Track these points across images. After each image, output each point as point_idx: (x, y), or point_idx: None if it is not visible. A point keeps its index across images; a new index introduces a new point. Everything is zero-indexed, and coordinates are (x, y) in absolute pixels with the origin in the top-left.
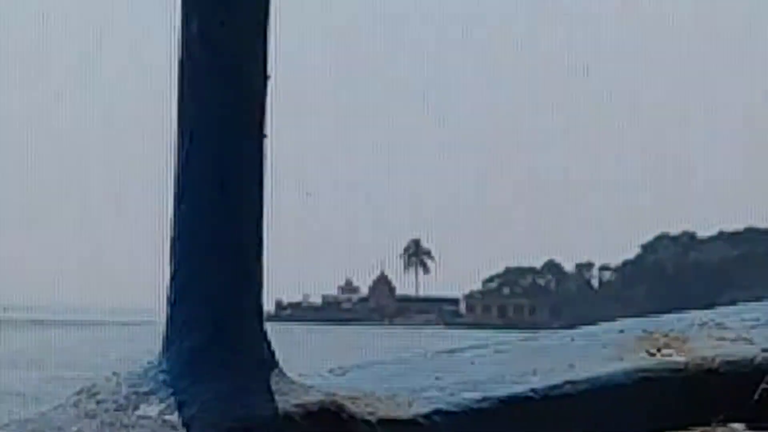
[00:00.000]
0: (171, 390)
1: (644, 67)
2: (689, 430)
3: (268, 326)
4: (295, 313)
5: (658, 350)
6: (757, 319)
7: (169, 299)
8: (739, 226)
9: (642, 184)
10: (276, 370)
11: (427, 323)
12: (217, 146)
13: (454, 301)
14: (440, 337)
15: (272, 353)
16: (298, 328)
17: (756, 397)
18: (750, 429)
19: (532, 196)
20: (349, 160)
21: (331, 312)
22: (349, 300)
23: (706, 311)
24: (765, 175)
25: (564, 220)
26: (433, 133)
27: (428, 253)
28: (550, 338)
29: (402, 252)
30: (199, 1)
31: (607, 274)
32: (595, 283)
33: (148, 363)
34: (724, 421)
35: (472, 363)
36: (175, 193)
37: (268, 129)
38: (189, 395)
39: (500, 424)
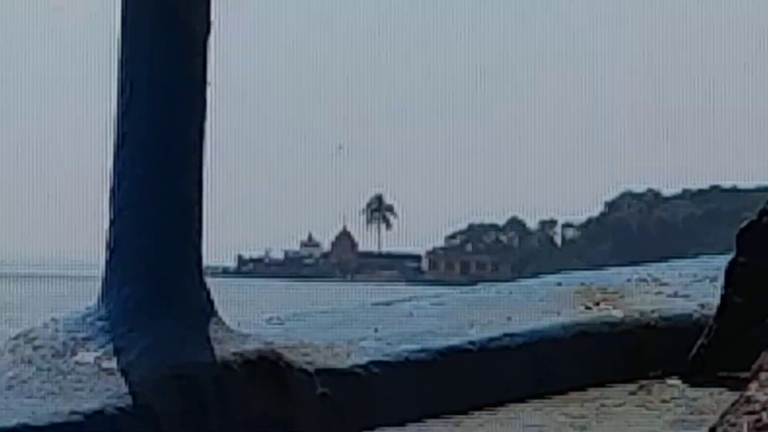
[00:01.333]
0: (109, 337)
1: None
2: (626, 383)
3: (230, 282)
4: (256, 268)
5: (596, 304)
6: (695, 275)
7: (108, 246)
8: (703, 184)
9: (606, 140)
10: (214, 319)
11: (390, 280)
12: (158, 94)
13: (417, 258)
14: (402, 294)
15: (211, 302)
16: (259, 284)
17: (693, 353)
18: (686, 385)
19: (496, 152)
20: (310, 112)
21: (293, 268)
22: (311, 256)
23: (644, 266)
24: (732, 135)
25: (527, 177)
26: (395, 86)
27: (391, 209)
28: (488, 291)
29: (364, 207)
30: None
31: (570, 232)
32: (558, 240)
33: (87, 309)
34: (661, 377)
35: (411, 315)
36: (115, 141)
37: (212, 78)
38: (127, 342)
39: (438, 375)
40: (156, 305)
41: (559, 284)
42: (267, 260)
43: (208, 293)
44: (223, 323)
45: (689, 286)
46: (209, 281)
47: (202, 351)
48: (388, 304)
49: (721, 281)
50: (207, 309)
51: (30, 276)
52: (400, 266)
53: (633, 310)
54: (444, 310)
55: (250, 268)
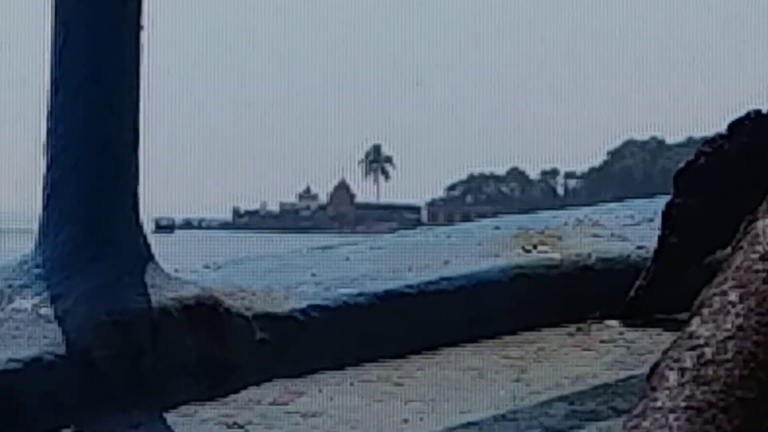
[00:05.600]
0: (45, 284)
1: None
2: (564, 326)
3: (225, 234)
4: (251, 221)
5: (534, 247)
6: (632, 217)
7: (44, 192)
8: (708, 130)
9: (607, 89)
10: (152, 265)
11: (389, 231)
12: (92, 37)
13: (416, 209)
14: None
15: (148, 247)
16: (254, 237)
17: (631, 294)
18: (624, 326)
19: (496, 101)
20: (307, 61)
21: (289, 220)
22: (307, 208)
23: (581, 209)
24: (735, 81)
25: (528, 127)
26: (392, 33)
27: (389, 160)
28: (425, 235)
29: (363, 158)
30: None
31: (573, 182)
32: (560, 190)
33: (23, 257)
34: (600, 318)
35: (347, 259)
36: (50, 85)
37: (146, 21)
38: (63, 289)
39: (376, 319)
40: (92, 251)
41: (497, 228)
42: (263, 213)
43: (145, 238)
44: (161, 269)
45: (626, 228)
46: (203, 234)
47: (139, 296)
48: (324, 249)
49: (658, 223)
50: (144, 254)
51: None
52: (399, 218)
53: (570, 252)
54: (382, 254)
55: (245, 221)
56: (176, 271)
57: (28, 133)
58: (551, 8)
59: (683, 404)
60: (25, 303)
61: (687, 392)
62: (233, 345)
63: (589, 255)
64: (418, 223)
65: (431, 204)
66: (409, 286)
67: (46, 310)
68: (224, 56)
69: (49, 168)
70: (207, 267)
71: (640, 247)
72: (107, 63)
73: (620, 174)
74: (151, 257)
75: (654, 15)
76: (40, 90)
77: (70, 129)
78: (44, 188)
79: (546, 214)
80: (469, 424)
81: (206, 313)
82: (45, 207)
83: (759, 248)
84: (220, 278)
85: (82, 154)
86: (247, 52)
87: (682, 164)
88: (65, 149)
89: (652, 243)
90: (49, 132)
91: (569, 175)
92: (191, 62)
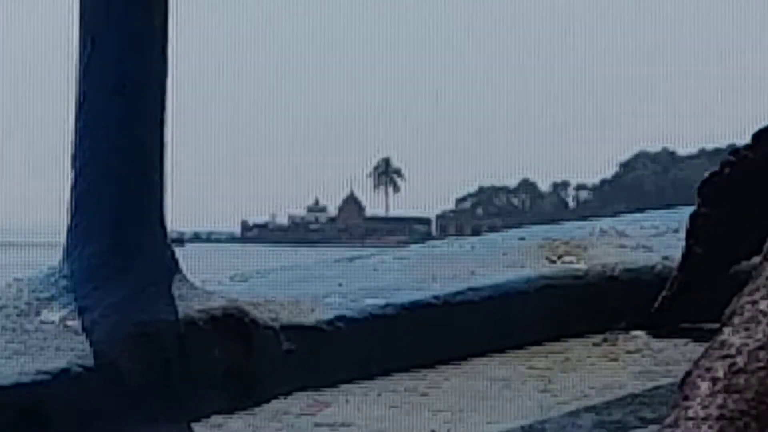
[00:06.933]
0: (72, 296)
1: None
2: (590, 336)
3: (236, 247)
4: (261, 234)
5: (559, 257)
6: (657, 228)
7: (70, 206)
8: (721, 143)
9: (620, 100)
10: (179, 276)
11: (400, 244)
12: (118, 50)
13: (426, 222)
14: None
15: (175, 260)
16: (263, 250)
17: (657, 304)
18: (651, 336)
19: (507, 113)
20: (320, 74)
21: (298, 233)
22: (316, 221)
23: (606, 219)
24: (747, 94)
25: (539, 139)
26: (403, 47)
27: (398, 172)
28: (451, 246)
29: (372, 170)
30: None
31: (584, 194)
32: (571, 202)
33: (50, 269)
34: (626, 329)
35: (375, 270)
36: (76, 98)
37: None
38: (90, 301)
39: (403, 329)
40: (118, 264)
41: (522, 239)
42: (271, 226)
43: (172, 251)
44: (188, 280)
45: (652, 238)
46: (212, 247)
47: (166, 308)
48: (350, 259)
49: (682, 234)
50: (171, 266)
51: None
52: (409, 230)
53: (596, 262)
54: (407, 265)
55: (254, 234)
56: (203, 282)
57: (53, 147)
58: (562, 20)
59: (716, 413)
60: (53, 315)
61: (719, 401)
62: (260, 356)
63: (615, 265)
64: (427, 236)
65: (441, 216)
66: (436, 297)
67: (74, 322)
68: (234, 70)
69: (75, 181)
70: (233, 278)
71: (665, 258)
72: (134, 75)
73: (632, 185)
74: (177, 269)
75: (663, 28)
76: (67, 103)
77: (96, 142)
78: (70, 201)
79: (570, 224)
80: None
81: (233, 324)
82: (72, 220)
83: None
84: (247, 289)
85: (109, 167)
86: (257, 66)
87: (706, 175)
88: (92, 162)
89: (677, 253)
90: (76, 145)
91: (580, 187)
92: (200, 76)
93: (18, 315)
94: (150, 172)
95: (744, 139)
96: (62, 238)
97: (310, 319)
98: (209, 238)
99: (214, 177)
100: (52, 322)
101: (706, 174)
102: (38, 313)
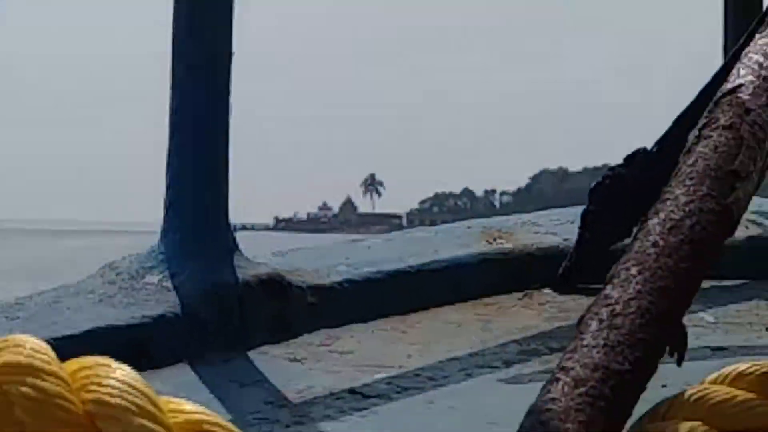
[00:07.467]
0: (167, 265)
1: None
2: (515, 293)
3: (270, 234)
4: (287, 225)
5: (494, 240)
6: (559, 220)
7: (165, 204)
8: (598, 162)
9: (535, 128)
10: (237, 252)
11: (380, 232)
12: (199, 94)
13: (399, 217)
14: None
15: (235, 242)
16: (289, 236)
17: (560, 272)
18: (556, 293)
19: (454, 139)
20: (324, 113)
21: (313, 224)
22: (325, 216)
23: (524, 215)
24: (615, 124)
25: (475, 158)
26: (386, 93)
27: (381, 183)
28: (421, 232)
29: (362, 182)
30: None
31: (506, 198)
32: (497, 204)
33: (151, 247)
34: (539, 288)
35: (369, 248)
36: (169, 129)
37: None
38: (179, 268)
39: (388, 289)
40: (198, 243)
41: (469, 227)
42: (295, 219)
43: (234, 236)
44: (243, 255)
45: (557, 227)
46: (254, 234)
47: (230, 274)
48: (353, 241)
49: (577, 224)
50: (232, 246)
51: (104, 232)
52: (387, 223)
53: (519, 243)
54: (392, 245)
55: (283, 225)
56: (253, 257)
57: (152, 167)
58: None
59: (602, 343)
60: (153, 278)
61: (604, 335)
62: (293, 307)
63: (532, 245)
64: (400, 227)
65: (409, 213)
66: (410, 266)
67: (168, 283)
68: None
69: (168, 187)
70: (275, 254)
71: (566, 240)
72: (211, 110)
73: (538, 193)
74: (237, 248)
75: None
76: (162, 133)
77: (183, 161)
78: (165, 201)
79: (501, 218)
80: (453, 358)
81: (275, 285)
82: (165, 213)
83: (650, 238)
84: (284, 261)
85: (191, 178)
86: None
87: (593, 184)
88: (179, 174)
89: (574, 237)
90: (168, 164)
91: (504, 194)
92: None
93: (130, 278)
94: (219, 178)
95: (614, 160)
96: (158, 227)
97: (326, 281)
98: (253, 228)
99: (254, 184)
100: (153, 283)
101: (593, 183)
102: (143, 277)
